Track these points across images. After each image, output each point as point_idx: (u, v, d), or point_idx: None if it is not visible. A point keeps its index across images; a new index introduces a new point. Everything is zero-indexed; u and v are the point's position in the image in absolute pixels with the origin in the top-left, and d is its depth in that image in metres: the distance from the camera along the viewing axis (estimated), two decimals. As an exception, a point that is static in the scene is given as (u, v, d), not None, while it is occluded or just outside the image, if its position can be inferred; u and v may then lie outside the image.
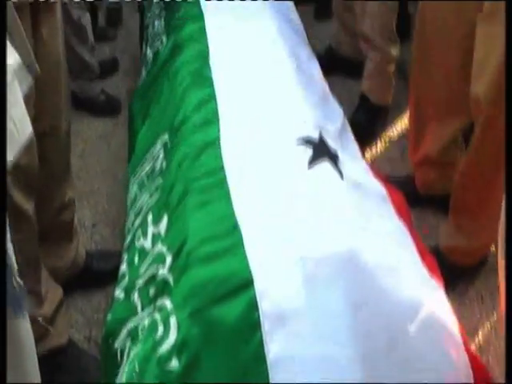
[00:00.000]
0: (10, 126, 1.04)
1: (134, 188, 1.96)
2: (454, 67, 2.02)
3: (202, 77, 2.01)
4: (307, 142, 1.64)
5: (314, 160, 1.58)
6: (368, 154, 2.74)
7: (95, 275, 2.32)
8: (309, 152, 1.61)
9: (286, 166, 1.59)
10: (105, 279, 2.26)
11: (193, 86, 1.99)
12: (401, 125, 2.94)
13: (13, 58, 1.11)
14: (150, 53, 2.64)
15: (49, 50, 1.85)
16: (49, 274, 2.03)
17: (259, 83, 1.95)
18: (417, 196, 2.40)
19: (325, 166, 1.58)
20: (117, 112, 3.26)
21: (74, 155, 2.21)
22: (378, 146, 2.82)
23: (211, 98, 1.89)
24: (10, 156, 1.04)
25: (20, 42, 1.17)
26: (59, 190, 2.12)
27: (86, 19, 3.13)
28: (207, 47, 2.16)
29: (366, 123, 2.80)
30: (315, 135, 1.67)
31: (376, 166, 2.35)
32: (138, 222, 1.76)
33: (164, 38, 2.52)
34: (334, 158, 1.62)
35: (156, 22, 2.77)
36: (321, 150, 1.63)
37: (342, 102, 2.13)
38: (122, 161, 2.66)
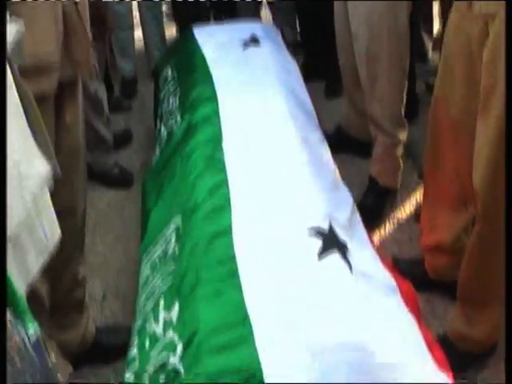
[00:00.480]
0: (40, 234, 1.06)
1: (146, 269, 1.99)
2: (464, 161, 2.05)
3: (215, 161, 2.06)
4: (317, 232, 1.68)
5: (323, 251, 1.62)
6: (376, 236, 2.75)
7: (104, 350, 2.31)
8: (319, 243, 1.65)
9: (296, 256, 1.63)
10: (114, 354, 2.26)
11: (205, 171, 2.03)
12: (409, 207, 2.95)
13: (43, 167, 1.14)
14: (164, 131, 2.70)
15: (71, 137, 1.89)
16: (58, 349, 2.04)
17: (271, 169, 2.00)
18: (426, 280, 2.39)
19: (334, 257, 1.61)
20: (129, 185, 3.30)
21: (86, 227, 2.23)
22: (387, 228, 2.84)
23: (223, 183, 1.93)
24: (39, 263, 1.06)
25: (43, 144, 1.20)
26: (72, 268, 2.13)
27: (102, 91, 3.20)
28: (220, 130, 2.22)
29: (374, 206, 2.83)
30: (325, 226, 1.71)
31: (384, 249, 2.38)
32: (149, 305, 1.78)
33: (178, 118, 2.58)
34: (343, 249, 1.65)
35: (171, 99, 2.84)
36: (330, 241, 1.67)
37: (350, 181, 2.17)
38: (134, 233, 2.69)
